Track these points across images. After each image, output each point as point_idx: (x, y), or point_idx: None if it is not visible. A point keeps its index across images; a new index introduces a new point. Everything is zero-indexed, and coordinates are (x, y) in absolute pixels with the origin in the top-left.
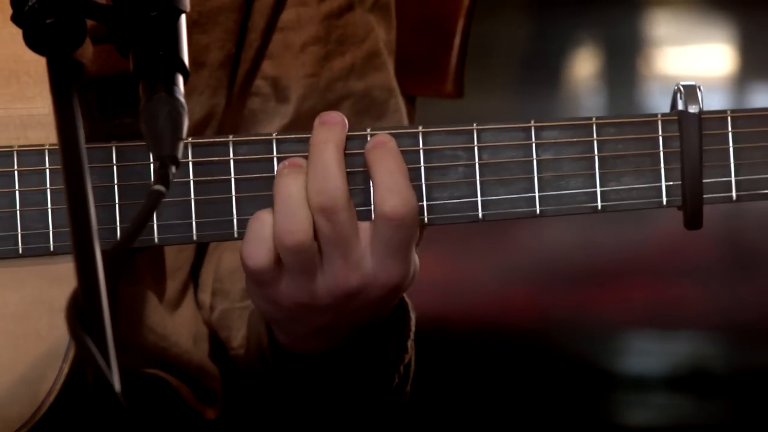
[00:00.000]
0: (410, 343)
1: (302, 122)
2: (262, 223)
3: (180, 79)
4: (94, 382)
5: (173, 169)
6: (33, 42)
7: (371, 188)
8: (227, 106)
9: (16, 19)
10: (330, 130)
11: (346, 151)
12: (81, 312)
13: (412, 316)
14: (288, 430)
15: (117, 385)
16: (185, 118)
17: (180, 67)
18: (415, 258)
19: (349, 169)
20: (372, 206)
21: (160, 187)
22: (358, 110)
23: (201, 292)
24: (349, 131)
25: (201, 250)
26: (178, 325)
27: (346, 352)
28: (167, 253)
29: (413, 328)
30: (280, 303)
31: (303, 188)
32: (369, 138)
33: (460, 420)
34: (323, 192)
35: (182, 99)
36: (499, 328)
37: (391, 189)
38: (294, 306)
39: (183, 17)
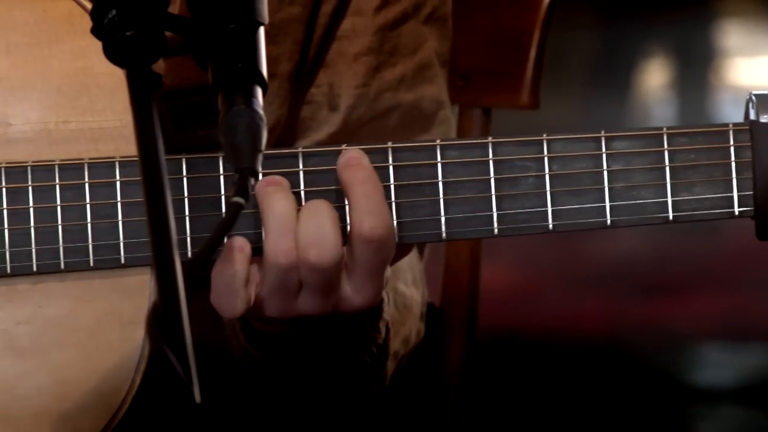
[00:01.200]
0: (382, 325)
1: (349, 132)
2: (234, 274)
3: (259, 91)
4: (175, 394)
5: (252, 181)
6: (112, 54)
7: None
8: (287, 116)
9: (95, 31)
10: (362, 168)
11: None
12: (161, 323)
13: (385, 297)
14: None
15: (198, 396)
16: (264, 130)
17: (259, 79)
18: (387, 274)
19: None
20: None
21: (239, 199)
22: (405, 121)
23: None
24: (394, 142)
25: None
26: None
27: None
28: None
29: (386, 309)
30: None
31: (294, 207)
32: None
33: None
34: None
35: (261, 111)
36: (570, 339)
37: (369, 211)
38: (269, 318)
39: (261, 29)
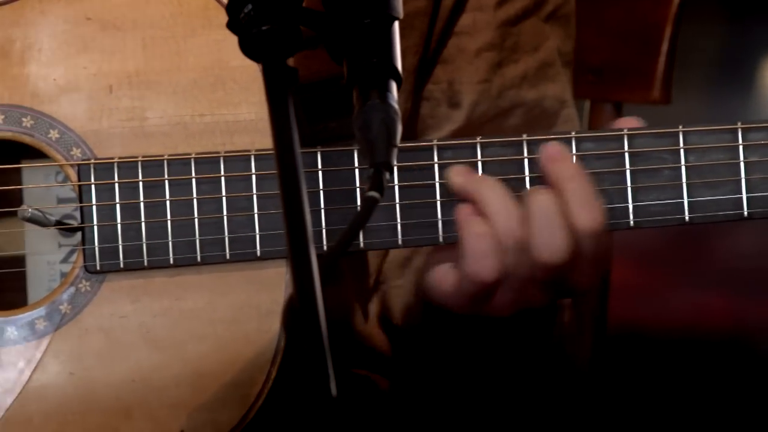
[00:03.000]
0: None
1: (472, 129)
2: (488, 239)
3: (393, 86)
4: (310, 386)
5: (387, 175)
6: (248, 49)
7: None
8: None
9: (231, 26)
10: (568, 164)
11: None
12: (298, 316)
13: None
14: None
15: (334, 389)
16: (399, 125)
17: (394, 73)
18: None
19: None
20: None
21: (375, 194)
22: (528, 119)
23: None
24: (529, 135)
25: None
26: (382, 332)
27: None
28: (369, 260)
29: None
30: (487, 312)
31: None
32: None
33: (652, 426)
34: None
35: (396, 105)
36: (694, 335)
37: (584, 203)
38: (495, 313)
39: (396, 24)
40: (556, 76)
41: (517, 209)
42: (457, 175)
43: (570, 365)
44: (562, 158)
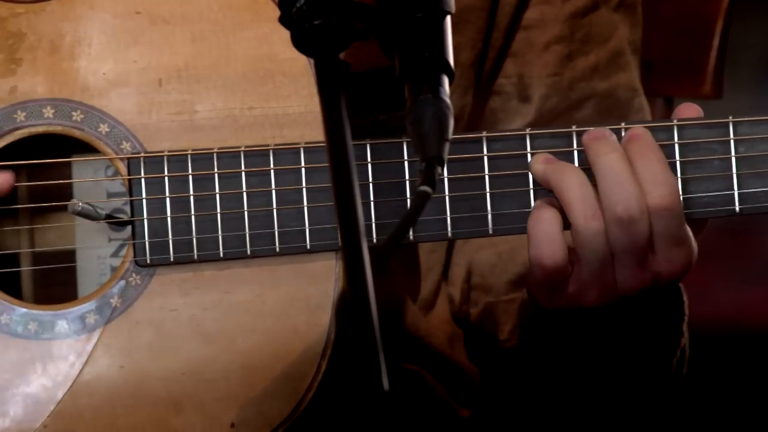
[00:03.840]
0: (685, 327)
1: (543, 122)
2: (546, 221)
3: (446, 80)
4: (362, 380)
5: (439, 170)
6: (300, 43)
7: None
8: (472, 105)
9: (284, 20)
10: (608, 143)
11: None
12: (350, 310)
13: (685, 299)
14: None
15: (386, 383)
16: (451, 119)
17: (446, 68)
18: (693, 241)
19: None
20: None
21: (427, 188)
22: (601, 110)
23: (451, 286)
24: (578, 126)
25: (449, 248)
26: (432, 327)
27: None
28: (420, 254)
29: (687, 312)
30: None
31: (626, 162)
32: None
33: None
34: (621, 202)
35: (448, 100)
36: (740, 331)
37: (654, 180)
38: (579, 303)
39: (448, 18)
40: (626, 65)
41: (595, 195)
42: (538, 162)
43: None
44: (637, 138)
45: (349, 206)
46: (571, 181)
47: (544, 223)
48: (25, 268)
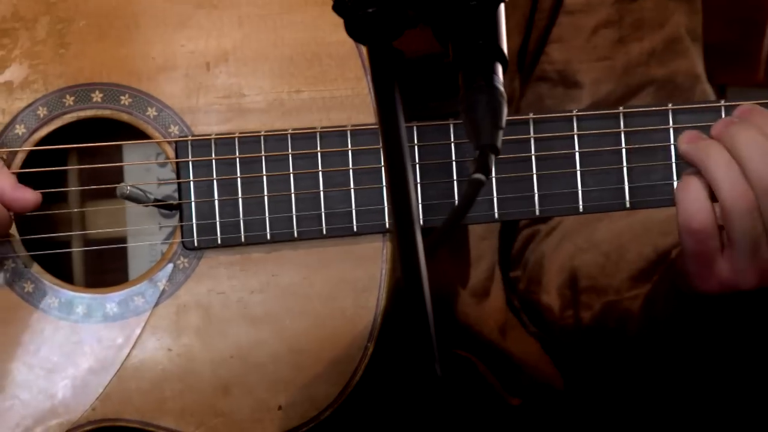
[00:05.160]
0: None
1: (600, 108)
2: (693, 185)
3: (499, 68)
4: (416, 366)
5: (493, 157)
6: (354, 31)
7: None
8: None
9: (337, 8)
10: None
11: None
12: (403, 295)
13: None
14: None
15: (439, 370)
16: (504, 108)
17: (499, 56)
18: None
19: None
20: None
21: (480, 176)
22: (661, 97)
23: (545, 295)
24: (626, 107)
25: (507, 244)
26: (484, 315)
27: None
28: (471, 242)
29: None
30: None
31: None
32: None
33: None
34: None
35: (501, 88)
36: None
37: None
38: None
39: (502, 6)
40: (685, 52)
41: (742, 174)
42: (683, 142)
43: None
44: (752, 112)
45: (403, 197)
46: (717, 159)
47: (693, 188)
48: (76, 250)
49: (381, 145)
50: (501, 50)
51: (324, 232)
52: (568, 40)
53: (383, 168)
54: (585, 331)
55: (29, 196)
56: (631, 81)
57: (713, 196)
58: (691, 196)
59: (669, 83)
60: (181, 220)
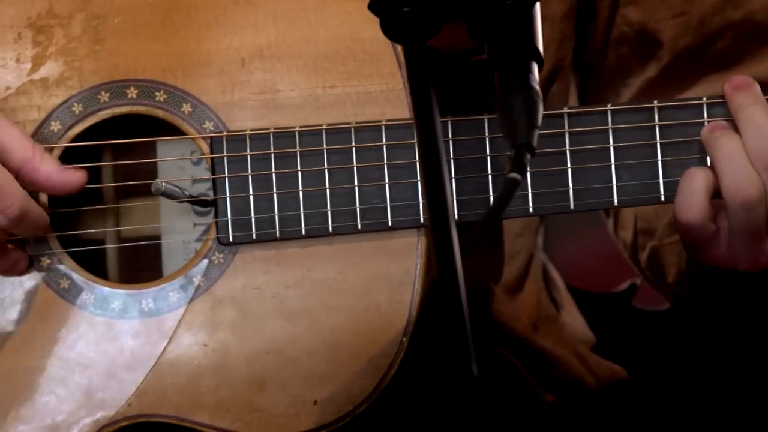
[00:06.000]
0: None
1: (680, 63)
2: (693, 178)
3: (535, 67)
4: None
5: (529, 156)
6: (390, 30)
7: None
8: (586, 57)
9: (373, 7)
10: (750, 93)
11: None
12: (439, 292)
13: None
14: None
15: (475, 368)
16: (540, 106)
17: (535, 55)
18: None
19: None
20: None
21: (516, 175)
22: (741, 38)
23: (621, 230)
24: (660, 101)
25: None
26: (517, 311)
27: None
28: (505, 238)
29: None
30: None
31: (742, 146)
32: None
33: None
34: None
35: (537, 87)
36: None
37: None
38: (731, 266)
39: (537, 5)
40: None
41: (744, 167)
42: (704, 131)
43: None
44: (746, 88)
45: (439, 192)
46: (723, 150)
47: (690, 179)
48: (111, 246)
49: (416, 140)
50: (536, 49)
51: (359, 226)
52: (643, 2)
53: (418, 163)
54: (645, 273)
55: (76, 176)
56: (706, 30)
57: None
58: (688, 187)
59: (748, 23)
60: (216, 215)
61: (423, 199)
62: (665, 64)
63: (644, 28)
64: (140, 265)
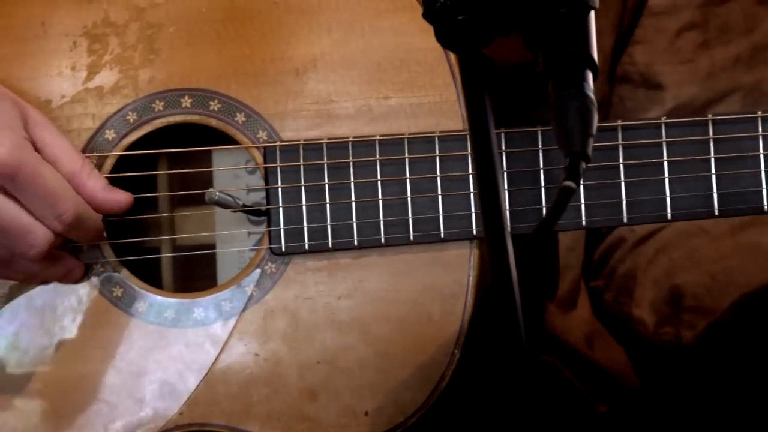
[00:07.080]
0: None
1: (685, 112)
2: None
3: (589, 76)
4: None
5: (583, 165)
6: (444, 38)
7: None
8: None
9: (427, 15)
10: None
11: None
12: (494, 302)
13: None
14: None
15: (528, 375)
16: (595, 115)
17: (590, 63)
18: None
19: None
20: None
21: (571, 183)
22: (748, 104)
23: (637, 308)
24: (715, 114)
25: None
26: (571, 325)
27: None
28: (560, 252)
29: None
30: None
31: None
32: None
33: None
34: None
35: (592, 95)
36: None
37: None
38: None
39: (592, 13)
40: None
41: None
42: None
43: None
44: None
45: (494, 205)
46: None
47: None
48: (165, 255)
49: (470, 152)
50: (591, 57)
51: (411, 238)
52: (652, 42)
53: (471, 175)
54: (685, 349)
55: (121, 197)
56: (716, 86)
57: None
58: None
59: (756, 90)
60: (268, 225)
61: (477, 211)
62: (667, 110)
63: (649, 70)
64: (195, 273)
